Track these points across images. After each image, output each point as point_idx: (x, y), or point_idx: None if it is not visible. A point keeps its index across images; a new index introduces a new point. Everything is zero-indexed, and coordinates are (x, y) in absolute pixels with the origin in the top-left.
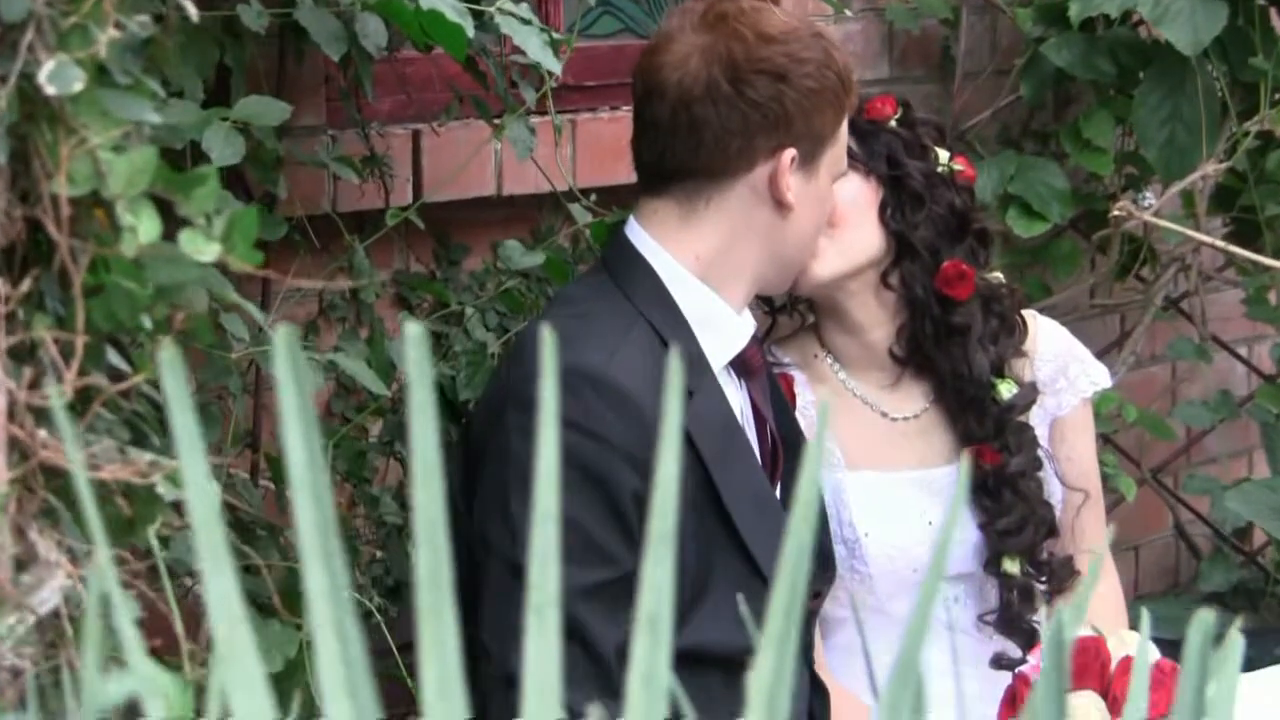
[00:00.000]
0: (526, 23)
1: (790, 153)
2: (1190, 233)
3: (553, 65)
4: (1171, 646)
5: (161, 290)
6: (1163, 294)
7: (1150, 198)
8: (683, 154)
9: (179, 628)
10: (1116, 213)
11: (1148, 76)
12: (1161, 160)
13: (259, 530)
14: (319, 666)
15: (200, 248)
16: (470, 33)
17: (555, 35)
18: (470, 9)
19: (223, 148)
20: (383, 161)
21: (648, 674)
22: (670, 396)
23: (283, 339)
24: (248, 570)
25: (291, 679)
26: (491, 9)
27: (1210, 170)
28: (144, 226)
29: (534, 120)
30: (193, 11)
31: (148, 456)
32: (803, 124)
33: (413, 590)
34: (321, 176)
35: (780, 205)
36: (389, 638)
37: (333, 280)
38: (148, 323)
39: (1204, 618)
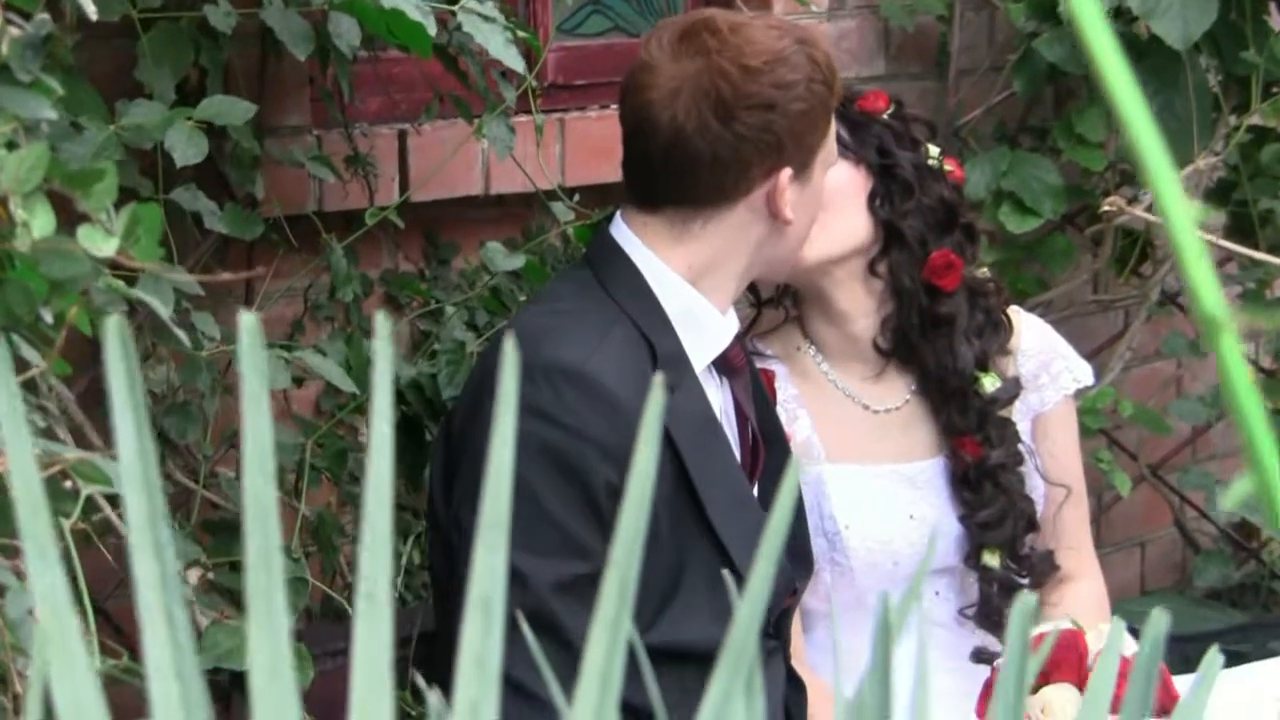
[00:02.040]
0: (490, 20)
1: (786, 172)
2: None
3: (515, 64)
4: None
5: (56, 285)
6: (1158, 289)
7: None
8: (677, 188)
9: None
10: (1107, 208)
11: (1139, 71)
12: None
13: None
14: (146, 651)
15: (99, 243)
16: (432, 30)
17: (521, 33)
18: (435, 7)
19: (185, 148)
20: (366, 161)
21: (479, 656)
22: (503, 394)
23: (113, 331)
24: (233, 567)
25: None
26: (455, 7)
27: (1202, 164)
28: (38, 222)
29: (522, 119)
30: (91, 11)
31: (54, 449)
32: (794, 144)
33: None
34: (306, 176)
35: (778, 219)
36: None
37: (316, 279)
38: (48, 317)
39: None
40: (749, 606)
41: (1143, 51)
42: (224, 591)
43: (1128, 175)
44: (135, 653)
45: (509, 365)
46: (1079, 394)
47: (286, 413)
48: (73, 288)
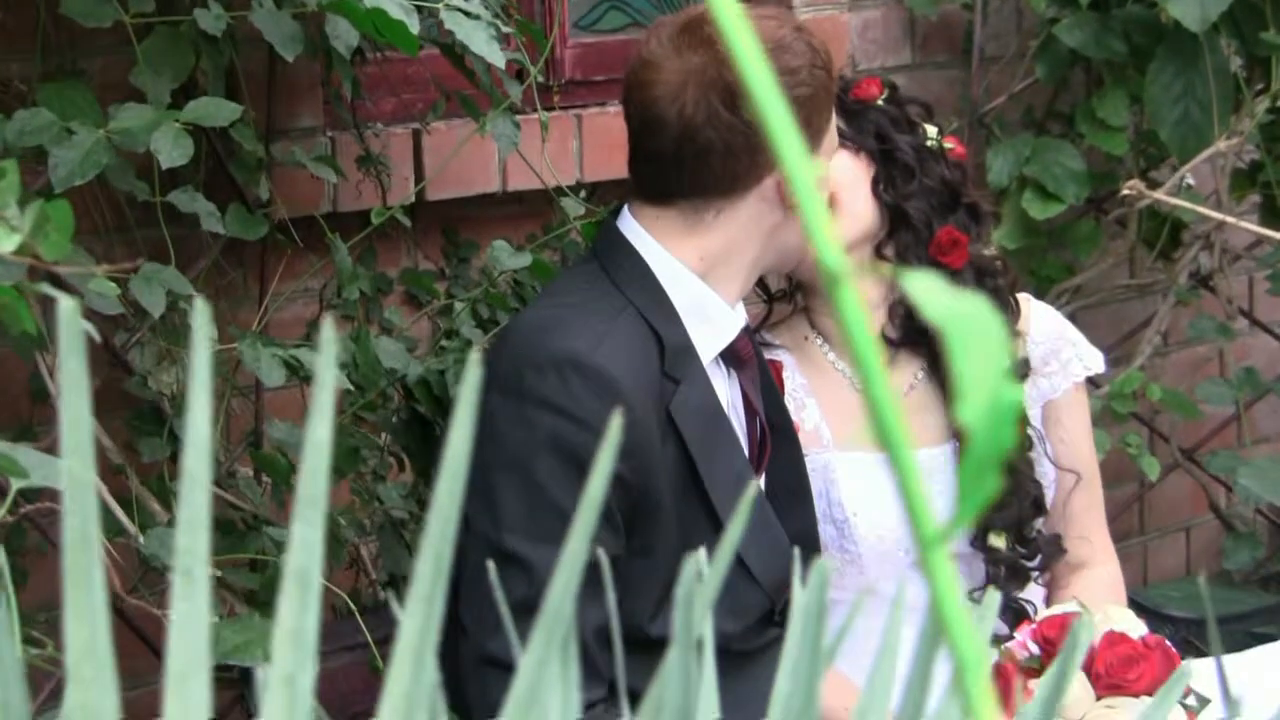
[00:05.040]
0: (474, 18)
1: None
2: (1204, 210)
3: (497, 60)
4: (1187, 625)
5: None
6: (1186, 273)
7: (1189, 175)
8: (690, 180)
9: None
10: (1127, 192)
11: (1159, 54)
12: (1175, 138)
13: (261, 527)
14: None
15: (1, 240)
16: (415, 28)
17: (517, 29)
18: (421, 5)
19: (171, 150)
20: (378, 160)
21: (296, 630)
22: (321, 380)
23: None
24: (252, 566)
25: None
26: (439, 5)
27: (1223, 146)
28: None
29: (540, 115)
30: None
31: None
32: (803, 128)
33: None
34: (319, 177)
35: (790, 206)
36: (365, 631)
37: (328, 279)
38: None
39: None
40: (566, 569)
41: (1163, 34)
42: (236, 589)
43: (1153, 158)
44: (158, 654)
45: (325, 366)
46: (1094, 382)
47: (303, 411)
48: None
